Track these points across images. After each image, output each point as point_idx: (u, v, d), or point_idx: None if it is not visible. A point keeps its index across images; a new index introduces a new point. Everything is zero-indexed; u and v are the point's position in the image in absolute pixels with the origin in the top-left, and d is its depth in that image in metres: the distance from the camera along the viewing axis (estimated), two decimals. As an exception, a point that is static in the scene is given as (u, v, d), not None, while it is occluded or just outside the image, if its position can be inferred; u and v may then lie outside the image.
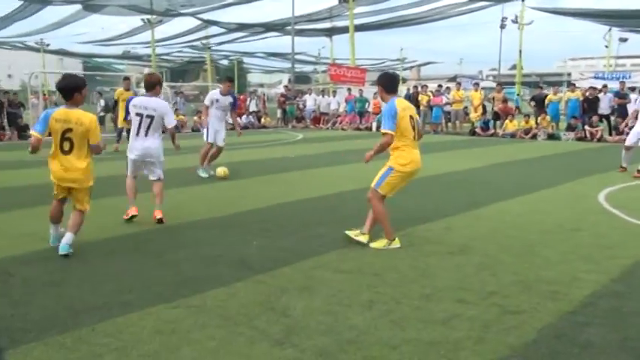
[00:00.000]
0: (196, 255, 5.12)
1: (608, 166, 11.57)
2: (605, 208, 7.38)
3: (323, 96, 27.74)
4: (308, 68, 68.99)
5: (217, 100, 10.14)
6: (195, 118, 24.78)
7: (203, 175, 10.06)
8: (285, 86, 33.82)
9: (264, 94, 34.00)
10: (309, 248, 5.35)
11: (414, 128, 5.43)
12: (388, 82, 5.62)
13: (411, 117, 5.44)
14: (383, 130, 5.35)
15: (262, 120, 26.59)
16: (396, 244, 5.43)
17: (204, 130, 10.36)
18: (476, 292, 4.18)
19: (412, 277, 4.54)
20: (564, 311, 3.82)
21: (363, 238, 5.49)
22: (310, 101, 27.10)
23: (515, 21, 39.94)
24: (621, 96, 19.79)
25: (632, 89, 21.29)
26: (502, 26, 42.08)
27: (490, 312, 3.81)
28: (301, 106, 27.33)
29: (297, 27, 35.35)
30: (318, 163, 12.34)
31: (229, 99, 10.28)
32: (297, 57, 47.62)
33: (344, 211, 7.18)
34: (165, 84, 32.47)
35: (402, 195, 8.31)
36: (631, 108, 18.90)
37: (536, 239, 5.75)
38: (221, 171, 9.81)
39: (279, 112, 27.89)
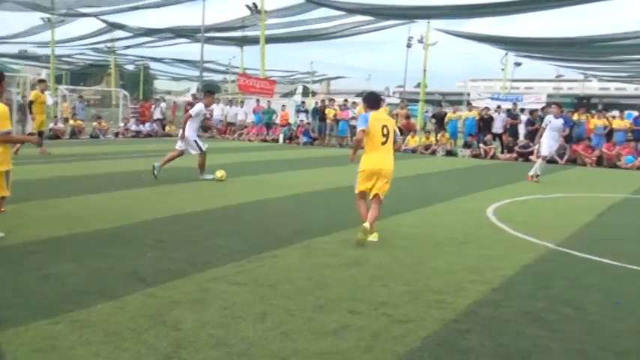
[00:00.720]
0: (84, 268, 4.90)
1: (498, 182, 12.32)
2: (492, 221, 7.83)
3: (231, 106, 27.55)
4: (218, 77, 68.24)
5: (204, 114, 11.27)
6: (95, 123, 23.78)
7: (209, 177, 10.84)
8: (193, 94, 33.25)
9: (174, 103, 33.29)
10: (205, 260, 5.27)
11: (384, 136, 6.55)
12: (370, 100, 6.93)
13: (384, 126, 6.57)
14: (357, 129, 6.65)
15: (167, 128, 25.98)
16: (373, 237, 6.27)
17: (193, 142, 10.86)
18: (367, 303, 4.29)
19: (307, 288, 4.60)
20: (448, 319, 4.01)
21: (374, 237, 6.27)
22: (217, 111, 26.82)
23: (420, 41, 41.68)
24: (513, 116, 21.14)
25: (522, 110, 22.78)
26: (408, 45, 43.66)
27: (380, 322, 3.92)
28: (208, 115, 26.96)
29: (208, 35, 34.93)
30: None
31: (204, 109, 11.29)
32: (207, 65, 46.98)
33: (242, 221, 7.16)
34: (63, 87, 31.03)
35: (305, 207, 8.46)
36: (522, 128, 20.23)
37: (428, 251, 6.01)
38: (219, 174, 10.74)
39: (185, 121, 27.38)
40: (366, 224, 6.14)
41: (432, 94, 62.11)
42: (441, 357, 3.40)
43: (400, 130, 22.10)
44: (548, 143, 12.90)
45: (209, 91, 14.16)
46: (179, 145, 10.92)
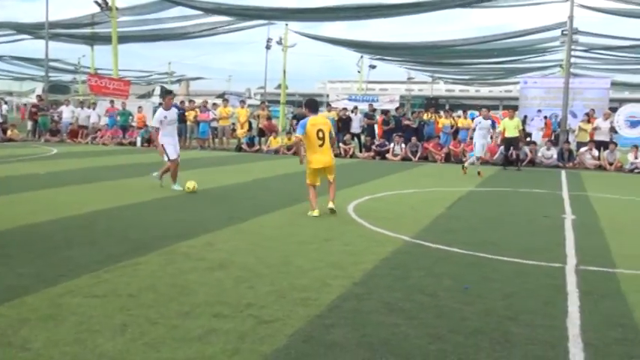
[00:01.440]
0: None
1: (358, 180, 12.81)
2: (354, 218, 8.13)
3: (82, 108, 25.91)
4: (67, 77, 63.84)
5: (165, 117, 10.22)
6: None
7: (178, 188, 10.21)
8: (38, 96, 30.80)
9: (25, 105, 30.58)
10: (57, 273, 4.90)
11: (320, 138, 7.96)
12: (311, 106, 8.37)
13: (320, 130, 7.98)
14: (294, 135, 8.11)
15: (9, 132, 23.84)
16: (315, 213, 7.96)
17: (165, 150, 10.28)
18: (233, 306, 4.25)
19: (170, 295, 4.45)
20: (313, 315, 4.09)
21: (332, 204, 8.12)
22: (67, 113, 25.08)
23: (279, 42, 42.19)
24: (370, 117, 22.14)
25: (374, 110, 23.85)
26: (267, 47, 44.02)
27: (246, 323, 3.90)
28: (56, 118, 25.15)
29: (53, 31, 32.53)
30: (73, 180, 11.44)
31: (175, 111, 10.58)
32: (53, 64, 43.79)
33: (98, 230, 6.77)
34: None
35: (166, 212, 8.19)
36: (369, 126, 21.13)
37: (292, 250, 6.09)
38: (191, 185, 10.06)
39: (29, 124, 25.31)
40: (330, 205, 8.11)
41: (293, 95, 63.09)
42: (307, 353, 3.46)
43: (262, 131, 22.31)
44: (479, 142, 15.14)
45: (167, 91, 14.02)
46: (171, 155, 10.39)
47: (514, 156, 17.35)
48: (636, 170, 17.15)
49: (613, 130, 20.25)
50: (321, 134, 7.99)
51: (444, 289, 4.86)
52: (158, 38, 37.45)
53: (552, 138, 21.42)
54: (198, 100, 26.26)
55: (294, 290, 4.67)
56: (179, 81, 69.74)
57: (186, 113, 22.73)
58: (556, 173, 16.36)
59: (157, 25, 34.44)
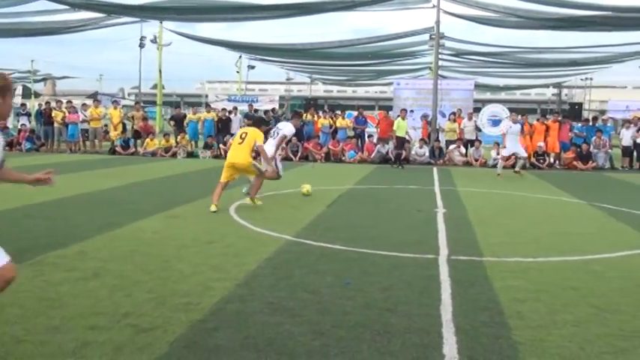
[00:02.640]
0: None
1: (239, 181, 12.69)
2: (236, 219, 8.06)
3: None
4: None
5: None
6: None
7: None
8: None
9: None
10: None
11: (242, 138, 9.11)
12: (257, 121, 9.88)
13: (243, 133, 9.29)
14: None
15: None
16: (212, 208, 8.52)
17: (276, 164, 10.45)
18: (109, 316, 4.04)
19: (38, 309, 4.14)
20: (195, 320, 4.00)
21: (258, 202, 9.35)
22: None
23: (154, 41, 40.74)
24: (250, 117, 22.03)
25: (256, 111, 23.82)
26: (141, 45, 42.37)
27: (124, 333, 3.72)
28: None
29: None
30: None
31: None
32: None
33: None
34: None
35: (30, 220, 7.60)
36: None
37: (173, 254, 5.91)
38: (305, 189, 10.67)
39: None
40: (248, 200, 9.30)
41: (170, 95, 61.40)
42: (190, 358, 3.37)
43: (137, 132, 21.42)
44: (509, 145, 15.55)
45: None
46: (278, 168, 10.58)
47: (393, 154, 18.20)
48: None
49: (477, 128, 21.75)
50: (244, 135, 9.19)
51: (327, 285, 4.95)
52: (17, 33, 34.69)
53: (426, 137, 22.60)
54: (75, 102, 24.57)
55: (175, 296, 4.53)
56: (44, 80, 65.26)
57: (53, 114, 21.34)
58: (428, 170, 17.29)
59: (17, 19, 31.89)
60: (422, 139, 20.61)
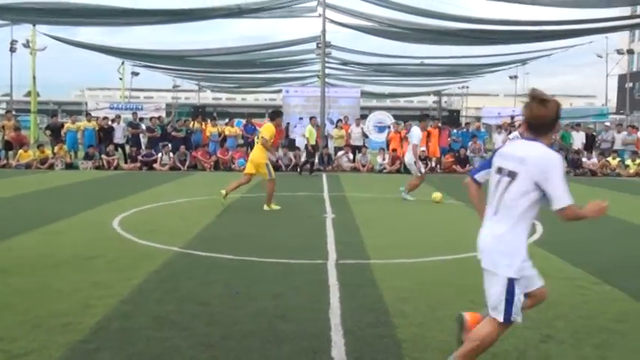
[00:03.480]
0: None
1: (124, 192, 12.20)
2: (119, 233, 7.72)
3: None
4: None
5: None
6: None
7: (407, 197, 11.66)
8: None
9: None
10: None
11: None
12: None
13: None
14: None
15: None
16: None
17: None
18: (-24, 344, 3.72)
19: None
20: (75, 341, 3.78)
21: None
22: None
23: (27, 45, 38.10)
24: (134, 126, 21.23)
25: (142, 119, 22.97)
26: (12, 50, 39.48)
27: (-7, 362, 3.45)
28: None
29: None
30: None
31: None
32: None
33: None
34: None
35: None
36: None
37: (50, 273, 5.55)
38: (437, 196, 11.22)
39: None
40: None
41: (47, 103, 57.67)
42: (69, 383, 3.19)
43: (9, 143, 19.90)
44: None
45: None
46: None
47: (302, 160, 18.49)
48: (384, 170, 19.26)
49: (364, 135, 22.42)
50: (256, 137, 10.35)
51: (216, 296, 4.88)
52: None
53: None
54: None
55: (52, 317, 4.26)
56: None
57: None
58: (318, 176, 17.56)
59: None
60: (312, 146, 20.92)
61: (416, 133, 11.87)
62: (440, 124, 21.63)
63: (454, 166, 19.70)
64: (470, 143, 20.70)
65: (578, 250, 7.01)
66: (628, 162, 19.71)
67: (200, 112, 27.05)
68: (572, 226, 8.87)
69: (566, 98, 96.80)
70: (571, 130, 21.69)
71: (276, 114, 11.40)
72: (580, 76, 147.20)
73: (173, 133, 20.57)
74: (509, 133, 18.76)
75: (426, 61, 33.80)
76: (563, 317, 4.45)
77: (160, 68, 41.02)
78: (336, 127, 22.04)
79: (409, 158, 12.04)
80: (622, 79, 63.68)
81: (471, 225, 8.80)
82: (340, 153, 20.39)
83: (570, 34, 23.31)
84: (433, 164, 20.09)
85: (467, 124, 23.67)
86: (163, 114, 33.23)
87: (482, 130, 24.12)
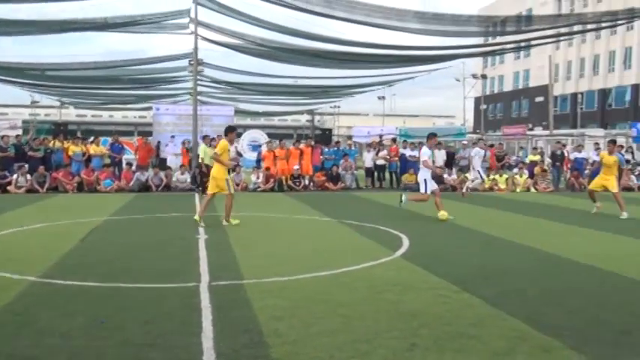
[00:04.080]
0: None
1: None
2: (-33, 262, 7.01)
3: None
4: None
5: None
6: None
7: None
8: None
9: None
10: None
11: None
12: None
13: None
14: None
15: None
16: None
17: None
18: None
19: None
20: None
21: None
22: None
23: None
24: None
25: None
26: None
27: None
28: None
29: None
30: None
31: None
32: None
33: None
34: None
35: None
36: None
37: None
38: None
39: None
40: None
41: None
42: None
43: None
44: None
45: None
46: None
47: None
48: (259, 189, 19.27)
49: (239, 153, 22.30)
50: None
51: (79, 327, 4.58)
52: None
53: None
54: None
55: None
56: None
57: None
58: (190, 196, 17.17)
59: None
60: (182, 165, 20.46)
61: (425, 151, 12.31)
62: (312, 143, 22.12)
63: (326, 184, 20.19)
64: (341, 161, 21.36)
65: (440, 261, 7.45)
66: (484, 177, 21.38)
67: (62, 129, 25.45)
68: (436, 238, 9.45)
69: (429, 118, 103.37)
70: (434, 148, 23.14)
71: (229, 129, 11.42)
72: (441, 98, 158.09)
73: (30, 153, 19.13)
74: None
75: (300, 81, 34.50)
76: (427, 325, 4.69)
77: (14, 82, 38.04)
78: (209, 145, 21.71)
79: (420, 175, 12.22)
80: (477, 101, 69.36)
81: (344, 241, 9.09)
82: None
83: (431, 59, 24.97)
84: (307, 182, 20.45)
85: (337, 142, 24.45)
86: (20, 132, 30.84)
87: (353, 148, 25.01)
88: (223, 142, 10.92)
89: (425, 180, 11.94)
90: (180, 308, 5.16)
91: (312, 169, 20.72)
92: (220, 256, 7.66)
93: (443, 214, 11.69)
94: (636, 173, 22.25)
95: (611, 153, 13.08)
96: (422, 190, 12.01)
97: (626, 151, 23.89)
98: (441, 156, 22.58)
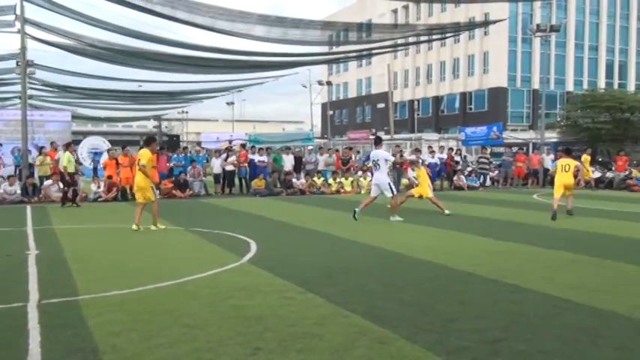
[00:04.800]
0: None
1: None
2: None
3: None
4: None
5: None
6: None
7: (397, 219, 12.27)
8: None
9: None
10: None
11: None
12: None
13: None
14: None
15: None
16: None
17: (387, 185, 12.46)
18: None
19: None
20: None
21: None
22: None
23: None
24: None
25: None
26: None
27: None
28: None
29: None
30: None
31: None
32: None
33: None
34: None
35: None
36: None
37: None
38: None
39: None
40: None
41: None
42: None
43: None
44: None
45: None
46: (374, 192, 12.66)
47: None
48: (100, 199, 18.17)
49: (78, 162, 20.76)
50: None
51: None
52: None
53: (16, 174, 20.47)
54: None
55: None
56: None
57: None
58: (21, 209, 15.72)
59: None
60: (10, 176, 18.67)
61: (384, 154, 12.92)
62: (158, 149, 21.33)
63: (174, 191, 19.61)
64: (189, 168, 20.88)
65: (287, 264, 7.55)
66: (330, 181, 22.13)
67: None
68: (283, 242, 9.58)
69: (279, 124, 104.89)
70: (282, 153, 23.51)
71: (150, 139, 12.37)
72: (291, 104, 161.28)
73: None
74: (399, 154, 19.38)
75: (144, 86, 33.20)
76: (271, 328, 4.71)
77: None
78: (40, 154, 20.05)
79: (383, 180, 12.46)
80: (324, 107, 71.73)
81: (190, 250, 8.86)
82: (47, 182, 18.51)
83: (278, 65, 25.39)
84: (153, 190, 19.66)
85: (184, 148, 23.88)
86: None
87: (202, 154, 24.55)
88: (146, 151, 11.21)
89: (389, 183, 12.59)
90: (2, 331, 4.68)
91: (158, 176, 19.97)
92: (53, 272, 7.08)
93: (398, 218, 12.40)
94: (466, 174, 24.41)
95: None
96: (389, 194, 12.45)
97: (456, 153, 26.06)
98: (289, 160, 23.00)
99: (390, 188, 12.47)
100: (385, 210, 13.07)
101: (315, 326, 4.78)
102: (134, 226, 10.95)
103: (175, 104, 46.64)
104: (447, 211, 13.23)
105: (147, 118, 63.03)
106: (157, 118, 58.21)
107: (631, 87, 57.80)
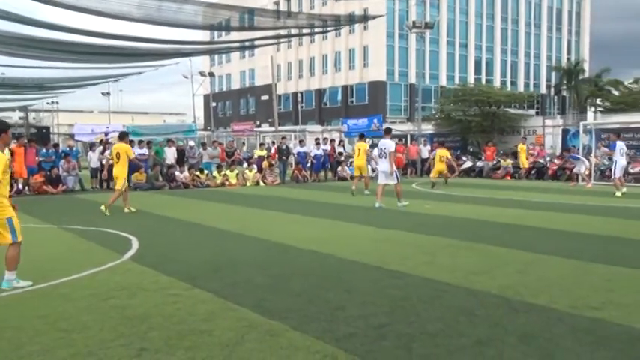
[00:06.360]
0: None
1: None
2: None
3: None
4: None
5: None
6: None
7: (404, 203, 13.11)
8: None
9: None
10: None
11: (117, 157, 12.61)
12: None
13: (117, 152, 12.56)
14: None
15: None
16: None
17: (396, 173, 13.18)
18: None
19: None
20: None
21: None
22: None
23: None
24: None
25: None
26: None
27: None
28: None
29: None
30: None
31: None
32: None
33: None
34: None
35: None
36: None
37: None
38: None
39: None
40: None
41: None
42: None
43: None
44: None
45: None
46: (381, 179, 13.24)
47: None
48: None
49: None
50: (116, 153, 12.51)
51: None
52: None
53: None
54: None
55: None
56: None
57: None
58: None
59: None
60: None
61: (389, 144, 13.19)
62: (26, 143, 19.80)
63: (45, 187, 18.31)
64: (62, 162, 19.59)
65: (171, 260, 7.30)
66: (215, 174, 21.75)
67: None
68: (166, 237, 9.26)
69: (159, 115, 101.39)
70: (165, 146, 22.73)
71: (125, 134, 13.46)
72: (171, 95, 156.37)
73: None
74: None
75: (8, 73, 30.61)
76: (157, 327, 4.53)
77: None
78: None
79: (386, 167, 13.00)
80: (207, 98, 70.32)
81: (66, 249, 8.30)
82: None
83: (157, 54, 24.37)
84: (20, 186, 18.26)
85: (55, 145, 22.36)
86: None
87: (75, 148, 23.11)
88: (124, 145, 12.87)
89: (395, 172, 13.07)
90: None
91: (26, 171, 18.54)
92: None
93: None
94: (348, 164, 25.06)
95: None
96: (395, 181, 13.08)
97: (339, 144, 26.65)
98: (171, 153, 22.32)
99: (396, 176, 13.14)
100: (269, 201, 13.07)
101: (202, 322, 4.66)
102: (102, 207, 12.27)
103: (44, 94, 43.53)
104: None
105: (12, 109, 58.31)
106: (24, 108, 54.03)
107: (496, 82, 62.21)
